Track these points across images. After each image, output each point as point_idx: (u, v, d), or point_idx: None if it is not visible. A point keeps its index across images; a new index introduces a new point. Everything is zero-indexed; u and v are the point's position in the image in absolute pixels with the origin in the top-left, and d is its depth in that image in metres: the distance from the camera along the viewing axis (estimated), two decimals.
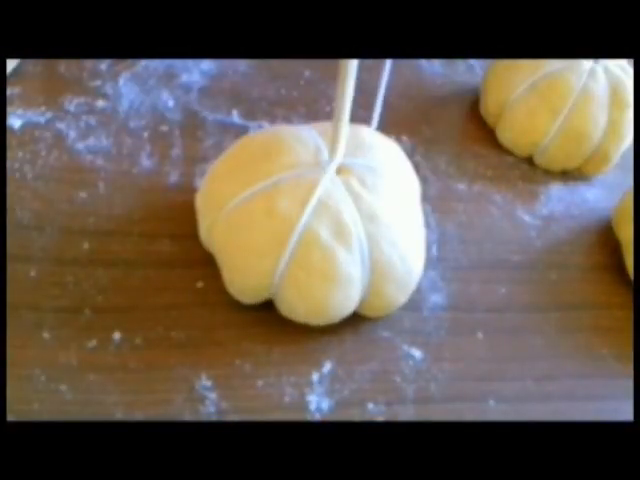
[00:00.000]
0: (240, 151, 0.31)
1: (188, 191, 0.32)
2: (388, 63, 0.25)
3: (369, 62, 0.43)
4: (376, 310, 0.30)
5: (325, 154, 0.29)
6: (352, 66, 0.26)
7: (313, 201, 0.28)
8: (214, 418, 0.27)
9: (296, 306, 0.29)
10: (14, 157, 0.34)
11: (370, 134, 0.32)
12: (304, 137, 0.30)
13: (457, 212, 0.37)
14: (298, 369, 0.29)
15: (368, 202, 0.29)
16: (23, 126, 0.35)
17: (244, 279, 0.29)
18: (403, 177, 0.32)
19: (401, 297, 0.30)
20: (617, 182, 0.41)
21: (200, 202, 0.31)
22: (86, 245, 0.31)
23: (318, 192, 0.28)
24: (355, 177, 0.29)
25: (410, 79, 0.44)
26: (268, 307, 0.30)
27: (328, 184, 0.29)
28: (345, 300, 0.28)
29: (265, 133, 0.31)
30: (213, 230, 0.29)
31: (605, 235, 0.38)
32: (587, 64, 0.39)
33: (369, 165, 0.30)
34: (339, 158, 0.29)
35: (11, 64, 0.36)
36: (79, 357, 0.28)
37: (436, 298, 0.33)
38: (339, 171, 0.29)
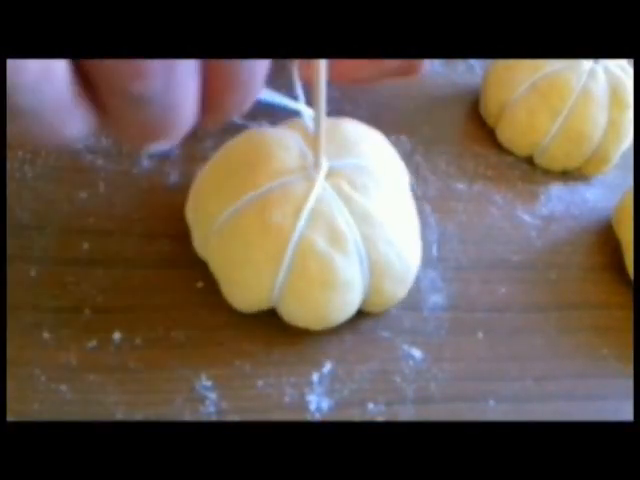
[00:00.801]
0: (222, 162, 0.30)
1: (188, 191, 0.32)
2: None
3: None
4: (375, 306, 0.30)
5: (310, 158, 0.29)
6: (323, 70, 0.25)
7: (306, 210, 0.28)
8: (214, 418, 0.27)
9: (297, 315, 0.29)
10: (14, 157, 0.33)
11: (352, 128, 0.32)
12: (286, 141, 0.30)
13: (457, 212, 0.37)
14: (298, 369, 0.29)
15: (360, 203, 0.28)
16: None
17: (243, 294, 0.29)
18: (391, 169, 0.31)
19: (400, 292, 0.30)
20: (617, 182, 0.41)
21: (190, 216, 0.30)
22: (86, 245, 0.31)
23: (310, 201, 0.28)
24: (344, 179, 0.29)
25: (410, 79, 0.44)
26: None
27: (318, 191, 0.28)
28: (346, 305, 0.28)
29: (245, 140, 0.31)
30: (206, 244, 0.29)
31: (605, 235, 0.38)
32: (587, 64, 0.39)
33: (356, 164, 0.30)
34: (325, 166, 0.29)
35: None
36: (79, 357, 0.28)
37: (436, 298, 0.33)
38: (327, 175, 0.29)
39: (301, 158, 0.29)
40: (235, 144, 0.31)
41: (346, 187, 0.29)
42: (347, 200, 0.28)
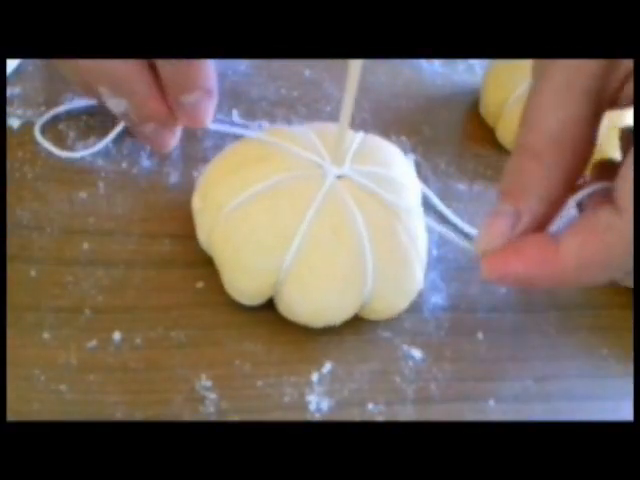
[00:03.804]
0: (237, 153, 0.31)
1: (188, 191, 0.32)
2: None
3: (369, 63, 0.44)
4: (377, 314, 0.30)
5: (325, 157, 0.30)
6: (358, 69, 0.26)
7: (317, 200, 0.28)
8: (214, 418, 0.27)
9: (297, 306, 0.29)
10: (14, 157, 0.33)
11: (372, 140, 0.32)
12: (302, 139, 0.30)
13: (457, 212, 0.37)
14: (298, 369, 0.29)
15: (370, 208, 0.29)
16: (23, 126, 0.35)
17: (247, 279, 0.29)
18: (405, 183, 0.31)
19: (402, 304, 0.30)
20: None
21: (198, 205, 0.31)
22: (86, 245, 0.31)
23: (322, 192, 0.28)
24: (357, 184, 0.29)
25: (410, 79, 0.44)
26: (268, 307, 0.30)
27: (331, 186, 0.29)
28: (345, 302, 0.29)
29: (261, 136, 0.32)
30: (213, 232, 0.29)
31: None
32: None
33: (371, 172, 0.30)
34: (341, 162, 0.29)
35: (11, 64, 0.36)
36: (79, 357, 0.28)
37: (436, 299, 0.33)
38: (341, 178, 0.29)
39: (316, 155, 0.30)
40: (250, 139, 0.32)
41: (358, 191, 0.29)
42: (357, 202, 0.29)
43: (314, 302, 0.28)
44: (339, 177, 0.29)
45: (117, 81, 0.28)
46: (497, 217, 0.25)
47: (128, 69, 0.28)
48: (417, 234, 0.30)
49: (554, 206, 0.25)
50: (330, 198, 0.28)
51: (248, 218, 0.28)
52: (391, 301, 0.30)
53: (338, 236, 0.28)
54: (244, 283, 0.29)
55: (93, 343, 0.28)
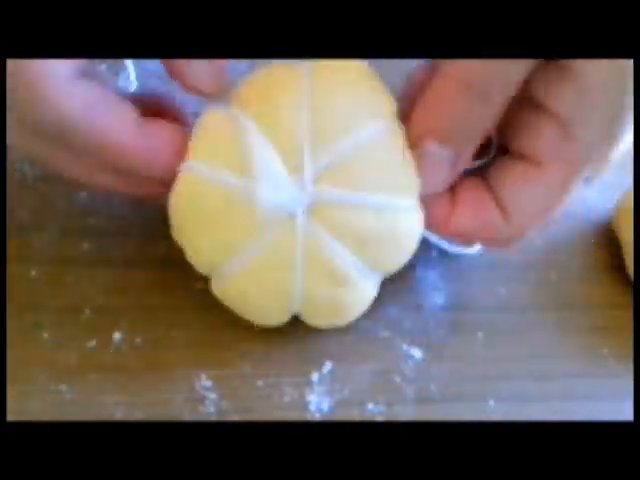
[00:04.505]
0: (189, 218, 0.28)
1: None
2: None
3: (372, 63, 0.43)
4: None
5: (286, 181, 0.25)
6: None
7: (298, 257, 0.26)
8: (214, 418, 0.27)
9: (319, 322, 0.29)
10: (14, 157, 0.33)
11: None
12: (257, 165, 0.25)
13: None
14: (298, 369, 0.29)
15: (352, 228, 0.26)
16: None
17: (262, 321, 0.29)
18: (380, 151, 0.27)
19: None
20: (616, 182, 0.41)
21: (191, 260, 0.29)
22: (86, 245, 0.31)
23: (299, 247, 0.26)
24: (327, 210, 0.25)
25: None
26: None
27: (305, 232, 0.26)
28: (359, 306, 0.29)
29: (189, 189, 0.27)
30: (211, 283, 0.29)
31: (604, 235, 0.38)
32: None
33: (339, 163, 0.25)
34: (308, 196, 0.25)
35: None
36: (79, 357, 0.28)
37: (436, 298, 0.33)
38: (311, 209, 0.25)
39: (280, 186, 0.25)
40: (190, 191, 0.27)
41: (333, 213, 0.25)
42: (338, 232, 0.26)
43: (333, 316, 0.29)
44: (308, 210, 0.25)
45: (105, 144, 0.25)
46: (434, 163, 0.25)
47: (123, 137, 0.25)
48: (407, 195, 0.26)
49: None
50: (311, 246, 0.26)
51: (251, 280, 0.27)
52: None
53: (334, 282, 0.27)
54: (270, 323, 0.29)
55: (93, 343, 0.28)
